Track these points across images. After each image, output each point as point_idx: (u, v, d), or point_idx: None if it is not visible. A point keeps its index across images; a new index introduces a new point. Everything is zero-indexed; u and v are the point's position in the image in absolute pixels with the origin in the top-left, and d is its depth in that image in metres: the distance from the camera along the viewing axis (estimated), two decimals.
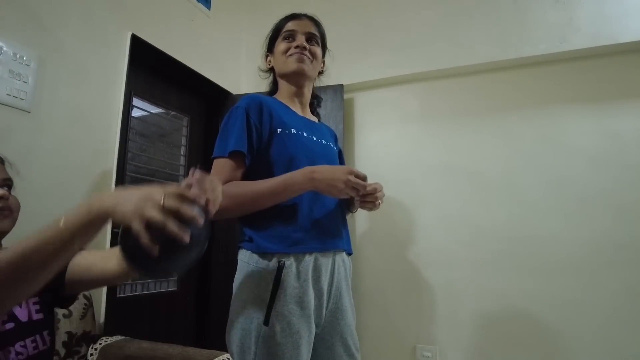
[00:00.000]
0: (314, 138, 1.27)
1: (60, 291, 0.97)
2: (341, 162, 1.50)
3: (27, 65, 1.57)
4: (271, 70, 1.41)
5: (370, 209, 1.25)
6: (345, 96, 2.62)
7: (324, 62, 1.46)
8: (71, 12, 1.79)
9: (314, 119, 1.43)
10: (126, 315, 2.04)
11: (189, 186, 0.71)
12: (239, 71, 2.90)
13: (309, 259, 1.11)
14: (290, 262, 1.08)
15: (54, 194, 1.61)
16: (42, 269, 0.67)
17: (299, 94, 1.34)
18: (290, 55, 1.28)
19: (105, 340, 1.53)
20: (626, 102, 2.13)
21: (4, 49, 1.50)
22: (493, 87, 2.38)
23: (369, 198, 1.19)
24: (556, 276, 2.12)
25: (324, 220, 1.17)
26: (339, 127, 2.48)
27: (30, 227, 0.71)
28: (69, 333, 1.45)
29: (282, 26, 1.35)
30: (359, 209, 1.33)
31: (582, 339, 2.05)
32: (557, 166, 2.19)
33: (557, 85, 2.26)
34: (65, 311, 1.45)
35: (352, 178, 1.07)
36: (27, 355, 0.90)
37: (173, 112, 2.51)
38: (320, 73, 1.44)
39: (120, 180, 1.98)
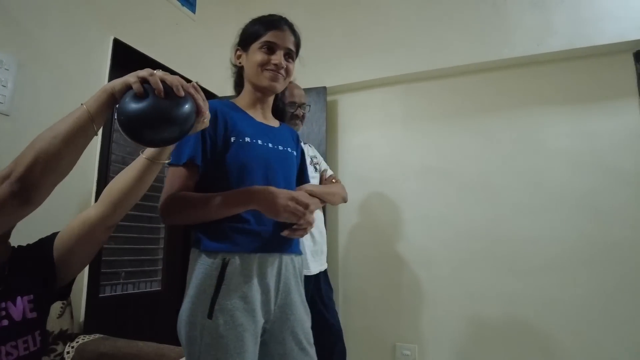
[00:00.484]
0: (270, 145, 1.28)
1: (56, 281, 0.99)
2: (302, 164, 1.50)
3: (6, 69, 1.60)
4: (240, 67, 1.38)
5: (298, 236, 1.24)
6: (329, 98, 2.65)
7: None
8: (52, 16, 1.82)
9: (275, 123, 1.41)
10: (109, 315, 2.07)
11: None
12: (225, 73, 2.92)
13: (253, 257, 1.14)
14: (234, 260, 1.12)
15: None
16: (70, 152, 0.84)
17: (262, 100, 1.35)
18: (266, 70, 1.27)
19: (82, 339, 1.56)
20: (602, 103, 2.17)
21: None
22: (473, 89, 2.41)
23: (302, 226, 1.20)
24: (534, 275, 2.15)
25: (271, 224, 1.19)
26: (322, 129, 2.51)
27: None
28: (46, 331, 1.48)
29: (261, 34, 1.29)
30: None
31: (559, 336, 2.08)
32: (535, 167, 2.22)
33: (535, 87, 2.29)
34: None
35: (291, 204, 1.11)
36: (17, 356, 0.90)
37: None
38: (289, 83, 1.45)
39: (103, 182, 2.01)
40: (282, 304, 1.20)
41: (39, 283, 0.97)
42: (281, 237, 1.21)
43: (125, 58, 2.17)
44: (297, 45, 1.36)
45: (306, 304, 1.30)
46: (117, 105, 0.84)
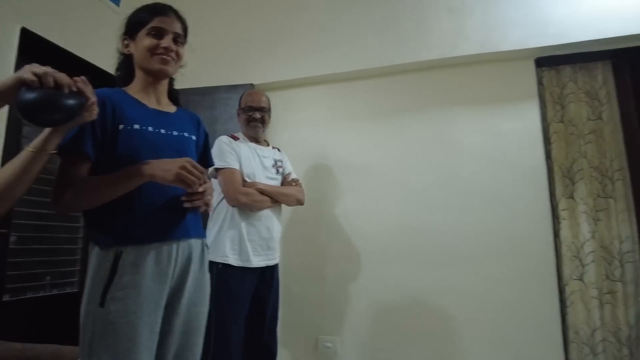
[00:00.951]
0: (162, 131, 1.28)
1: None
2: (205, 147, 1.51)
3: None
4: (127, 56, 1.37)
5: (197, 208, 1.27)
6: None
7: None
8: None
9: (171, 108, 1.41)
10: (16, 319, 1.98)
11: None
12: None
13: (147, 248, 1.16)
14: (127, 251, 1.14)
15: None
16: None
17: (154, 86, 1.36)
18: (156, 54, 1.29)
19: None
20: (508, 105, 2.34)
21: None
22: (394, 89, 2.52)
23: (195, 197, 1.23)
24: (446, 266, 2.29)
25: (165, 210, 1.22)
26: None
27: None
28: None
29: (147, 20, 1.31)
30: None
31: (467, 321, 2.23)
32: (449, 164, 2.36)
33: (450, 89, 2.43)
34: None
35: (188, 165, 1.14)
36: None
37: None
38: (181, 66, 1.43)
39: None
40: (177, 289, 1.23)
41: None
42: (176, 224, 1.24)
43: (36, 48, 2.08)
44: (185, 30, 1.40)
45: (207, 289, 1.33)
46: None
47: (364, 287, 2.37)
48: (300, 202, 2.13)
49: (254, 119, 2.08)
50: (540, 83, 2.43)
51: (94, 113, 1.04)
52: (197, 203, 1.24)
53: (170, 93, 1.44)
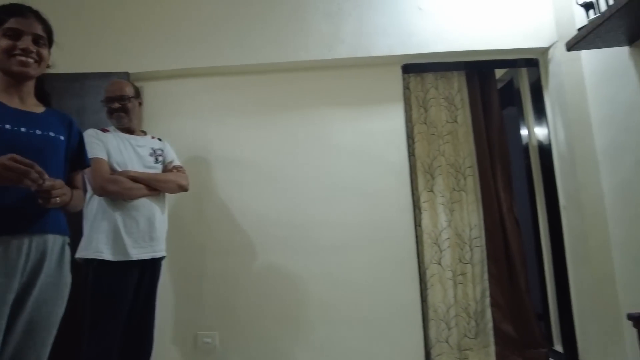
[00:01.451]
0: (23, 129, 1.26)
1: None
2: (80, 148, 1.49)
3: None
4: None
5: (51, 204, 1.24)
6: None
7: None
8: None
9: (39, 109, 1.38)
10: None
11: None
12: None
13: None
14: None
15: None
16: None
17: (18, 87, 1.32)
18: (14, 56, 1.27)
19: None
20: (377, 107, 2.55)
21: None
22: (276, 86, 2.58)
23: (45, 193, 1.20)
24: (322, 255, 2.43)
25: (18, 204, 1.20)
26: None
27: None
28: None
29: (4, 21, 1.28)
30: None
31: (342, 307, 2.40)
32: (324, 160, 2.50)
33: (327, 89, 2.57)
34: None
35: (8, 163, 1.10)
36: None
37: None
38: (48, 67, 1.41)
39: None
40: (27, 285, 1.20)
41: None
42: (29, 219, 1.22)
43: None
44: (48, 32, 1.38)
45: (64, 288, 1.31)
46: None
47: (243, 280, 2.39)
48: (183, 188, 2.08)
49: (114, 109, 2.01)
50: (407, 88, 2.69)
51: None
52: (51, 200, 1.21)
53: (39, 93, 1.42)
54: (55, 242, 1.28)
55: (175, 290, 2.39)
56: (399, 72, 2.58)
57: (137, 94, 2.12)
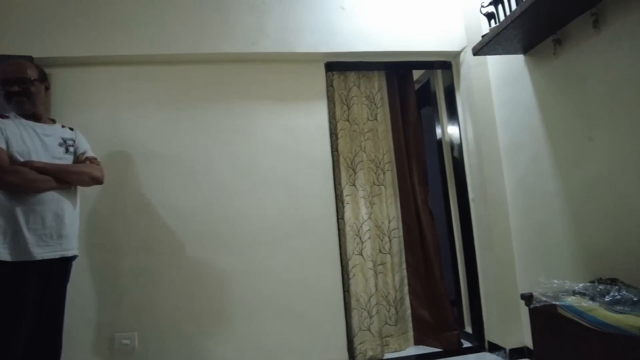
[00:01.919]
0: None
1: None
2: None
3: None
4: None
5: None
6: None
7: None
8: None
9: None
10: None
11: None
12: None
13: None
14: None
15: None
16: None
17: None
18: None
19: None
20: (302, 102, 2.58)
21: None
22: (198, 78, 2.52)
23: None
24: (249, 250, 2.42)
25: None
26: None
27: None
28: None
29: None
30: None
31: (268, 300, 2.41)
32: (248, 154, 2.49)
33: (251, 83, 2.55)
34: None
35: None
36: None
37: None
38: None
39: None
40: None
41: None
42: None
43: None
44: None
45: None
46: None
47: (164, 277, 2.31)
48: (97, 181, 1.95)
49: (13, 93, 1.83)
50: (331, 85, 2.76)
51: None
52: None
53: None
54: None
55: (90, 290, 2.24)
56: (322, 69, 2.63)
57: (43, 77, 1.95)
